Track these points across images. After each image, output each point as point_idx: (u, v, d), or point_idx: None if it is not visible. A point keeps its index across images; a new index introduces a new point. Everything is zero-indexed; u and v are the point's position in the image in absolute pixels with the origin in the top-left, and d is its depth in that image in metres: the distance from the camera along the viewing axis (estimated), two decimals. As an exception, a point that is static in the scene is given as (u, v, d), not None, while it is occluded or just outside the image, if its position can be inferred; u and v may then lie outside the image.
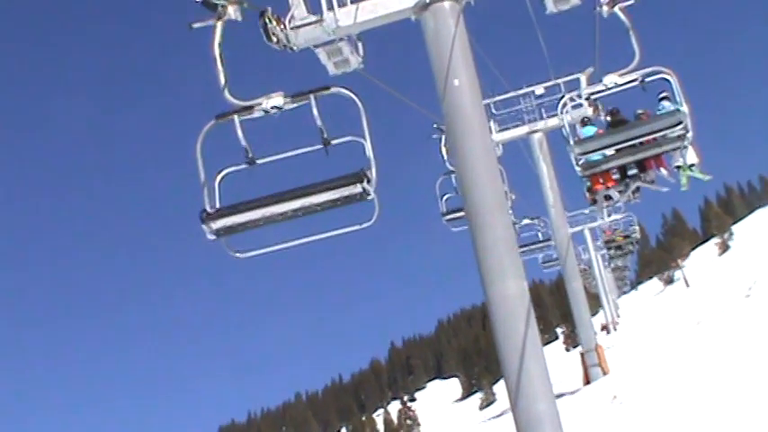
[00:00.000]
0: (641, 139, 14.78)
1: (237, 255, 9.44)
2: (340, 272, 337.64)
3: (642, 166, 18.75)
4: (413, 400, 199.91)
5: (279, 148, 9.68)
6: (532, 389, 9.71)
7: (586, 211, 47.25)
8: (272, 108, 9.66)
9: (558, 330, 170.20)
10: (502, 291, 9.89)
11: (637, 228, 47.95)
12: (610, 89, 13.99)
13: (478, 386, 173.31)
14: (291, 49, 11.10)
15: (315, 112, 9.48)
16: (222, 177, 9.51)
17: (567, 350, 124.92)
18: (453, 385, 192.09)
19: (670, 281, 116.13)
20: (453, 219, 22.22)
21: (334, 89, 9.47)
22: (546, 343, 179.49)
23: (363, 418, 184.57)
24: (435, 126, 21.31)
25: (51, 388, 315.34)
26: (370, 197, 9.34)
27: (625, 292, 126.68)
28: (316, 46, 11.45)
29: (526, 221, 28.61)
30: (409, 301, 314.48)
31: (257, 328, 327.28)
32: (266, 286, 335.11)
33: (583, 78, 19.14)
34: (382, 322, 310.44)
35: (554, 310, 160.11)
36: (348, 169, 9.35)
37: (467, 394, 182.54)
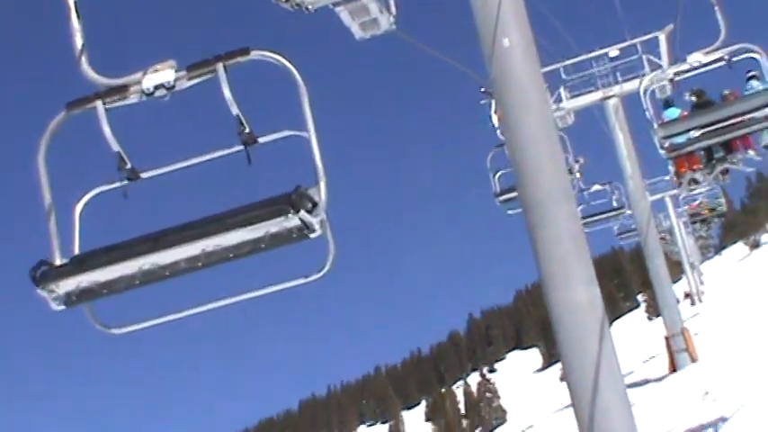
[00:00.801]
0: (728, 121, 13.98)
1: (112, 331, 5.77)
2: (417, 243, 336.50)
3: (729, 147, 17.68)
4: (492, 371, 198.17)
5: (172, 153, 5.91)
6: (610, 425, 7.69)
7: (667, 178, 44.62)
8: (156, 87, 5.59)
9: (640, 298, 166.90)
10: (567, 299, 7.99)
11: (723, 200, 45.37)
12: (695, 68, 13.49)
13: (558, 357, 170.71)
14: (306, 8, 8.92)
15: (226, 92, 5.48)
16: (85, 204, 5.76)
17: (650, 319, 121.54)
18: (533, 356, 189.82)
19: (756, 245, 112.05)
20: (509, 200, 19.50)
21: (255, 53, 5.46)
22: (627, 311, 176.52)
23: (443, 391, 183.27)
24: (483, 90, 19.02)
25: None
26: (314, 233, 5.47)
27: (708, 258, 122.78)
28: (335, 4, 9.30)
29: (596, 188, 25.63)
30: (486, 272, 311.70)
31: (336, 301, 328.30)
32: (343, 258, 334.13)
33: (662, 38, 17.98)
34: (460, 293, 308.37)
35: (635, 276, 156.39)
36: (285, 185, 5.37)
37: (547, 364, 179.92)
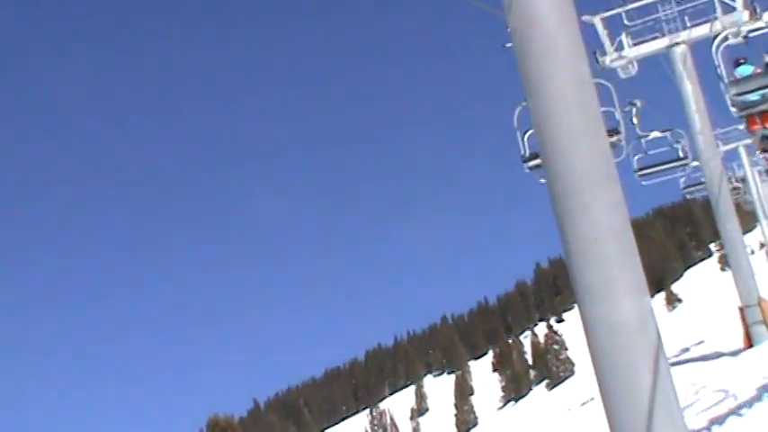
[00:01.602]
0: None
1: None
2: (481, 192, 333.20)
3: None
4: (561, 321, 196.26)
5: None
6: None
7: (741, 127, 41.82)
8: None
9: (713, 247, 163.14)
10: (609, 317, 6.05)
11: None
12: None
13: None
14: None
15: None
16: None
17: (723, 269, 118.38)
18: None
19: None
20: (539, 165, 16.76)
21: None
22: (699, 260, 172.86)
23: (510, 341, 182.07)
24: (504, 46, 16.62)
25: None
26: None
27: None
28: None
29: (655, 134, 22.74)
30: (554, 220, 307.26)
31: (403, 249, 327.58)
32: (409, 204, 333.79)
33: None
34: (527, 242, 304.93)
35: (707, 225, 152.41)
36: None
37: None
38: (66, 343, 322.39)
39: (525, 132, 15.79)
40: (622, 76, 20.98)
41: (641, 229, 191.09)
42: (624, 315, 6.04)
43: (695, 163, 23.48)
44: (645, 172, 22.93)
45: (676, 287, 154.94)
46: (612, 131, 14.27)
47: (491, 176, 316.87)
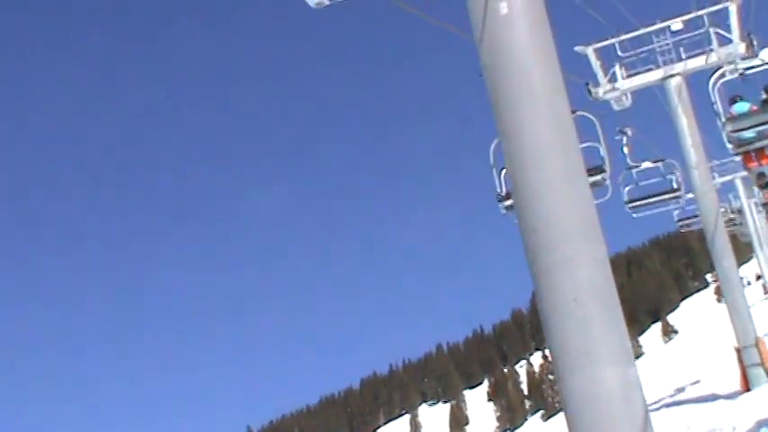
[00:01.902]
0: None
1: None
2: (477, 223, 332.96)
3: None
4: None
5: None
6: None
7: (737, 159, 41.20)
8: None
9: (709, 278, 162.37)
10: (590, 389, 5.38)
11: None
12: (766, 64, 13.52)
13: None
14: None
15: None
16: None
17: (719, 301, 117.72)
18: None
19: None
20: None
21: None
22: (696, 290, 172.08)
23: (506, 370, 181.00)
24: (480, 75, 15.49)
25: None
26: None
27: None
28: None
29: (647, 165, 21.77)
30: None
31: (398, 278, 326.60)
32: (407, 239, 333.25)
33: (733, 9, 16.08)
34: (524, 271, 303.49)
35: (703, 256, 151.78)
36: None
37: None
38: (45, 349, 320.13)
39: (502, 169, 14.42)
40: (616, 108, 20.34)
41: (638, 258, 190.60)
42: (607, 386, 5.36)
43: (690, 195, 22.68)
44: (636, 204, 22.18)
45: (673, 318, 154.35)
46: (597, 169, 13.48)
47: (485, 204, 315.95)
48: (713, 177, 47.50)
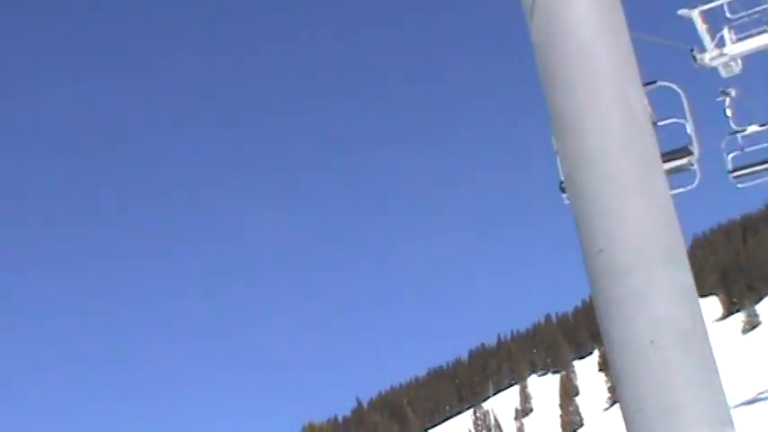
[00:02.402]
0: None
1: None
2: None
3: None
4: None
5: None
6: None
7: None
8: None
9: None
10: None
11: None
12: None
13: (740, 305, 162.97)
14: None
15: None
16: None
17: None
18: (712, 304, 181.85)
19: None
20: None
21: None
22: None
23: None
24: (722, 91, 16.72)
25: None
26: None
27: None
28: None
29: (754, 129, 19.88)
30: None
31: (507, 247, 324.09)
32: (515, 201, 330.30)
33: None
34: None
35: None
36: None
37: (727, 314, 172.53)
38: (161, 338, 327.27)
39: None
40: (724, 74, 18.48)
41: (754, 224, 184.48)
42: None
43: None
44: (741, 173, 20.10)
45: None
46: (682, 151, 11.44)
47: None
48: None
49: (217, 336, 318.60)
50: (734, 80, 18.57)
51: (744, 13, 18.26)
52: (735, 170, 19.81)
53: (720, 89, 17.96)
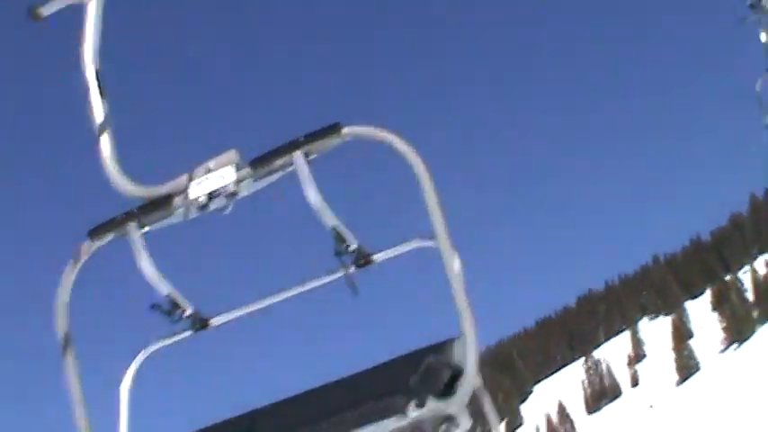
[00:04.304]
0: None
1: None
2: (694, 122, 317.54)
3: None
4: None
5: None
6: None
7: None
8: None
9: None
10: None
11: None
12: None
13: None
14: None
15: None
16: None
17: None
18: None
19: None
20: None
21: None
22: None
23: (728, 279, 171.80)
24: (749, 4, 14.81)
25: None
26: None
27: None
28: None
29: None
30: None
31: (609, 186, 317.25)
32: (615, 135, 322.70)
33: None
34: (741, 170, 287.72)
35: None
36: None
37: None
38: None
39: None
40: None
41: None
42: None
43: None
44: None
45: None
46: None
47: (700, 99, 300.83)
48: None
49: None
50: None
51: None
52: None
53: None
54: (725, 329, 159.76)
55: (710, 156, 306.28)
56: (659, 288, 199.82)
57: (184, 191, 3.66)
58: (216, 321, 3.96)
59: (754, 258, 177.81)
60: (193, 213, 3.70)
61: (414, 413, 3.23)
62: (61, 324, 3.77)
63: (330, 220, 3.41)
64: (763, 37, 15.11)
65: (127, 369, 3.96)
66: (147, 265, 3.71)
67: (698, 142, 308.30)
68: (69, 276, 3.80)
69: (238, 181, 3.60)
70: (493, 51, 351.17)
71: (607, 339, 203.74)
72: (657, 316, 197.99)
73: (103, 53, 4.01)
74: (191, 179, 3.63)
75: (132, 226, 3.76)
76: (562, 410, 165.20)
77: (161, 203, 3.76)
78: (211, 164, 3.63)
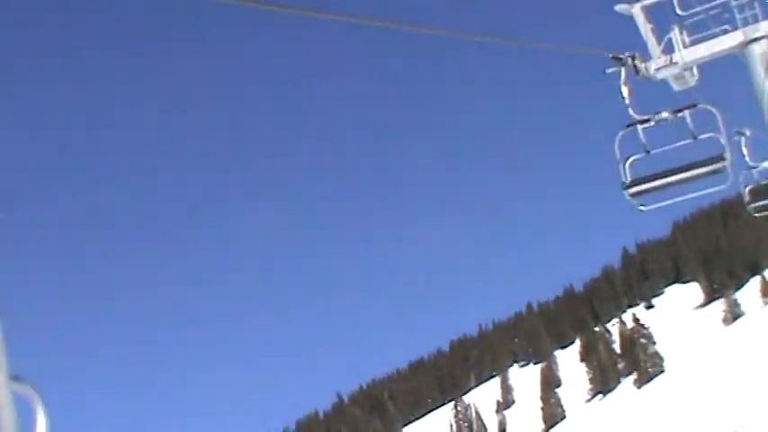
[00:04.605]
0: None
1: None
2: (569, 177, 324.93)
3: None
4: (650, 307, 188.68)
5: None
6: None
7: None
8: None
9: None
10: None
11: None
12: None
13: (721, 292, 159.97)
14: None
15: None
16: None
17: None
18: (693, 290, 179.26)
19: None
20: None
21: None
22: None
23: (597, 330, 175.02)
24: (612, 56, 14.71)
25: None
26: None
27: None
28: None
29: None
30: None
31: (485, 236, 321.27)
32: (492, 194, 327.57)
33: None
34: (613, 226, 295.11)
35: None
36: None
37: (708, 300, 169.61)
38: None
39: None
40: (676, 87, 14.56)
41: (734, 208, 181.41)
42: None
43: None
44: (758, 204, 21.04)
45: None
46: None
47: (573, 161, 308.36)
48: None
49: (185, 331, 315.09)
50: (690, 93, 14.75)
51: (699, 8, 14.28)
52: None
53: (735, 129, 17.26)
54: (591, 380, 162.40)
55: (589, 209, 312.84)
56: (531, 336, 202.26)
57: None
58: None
59: (623, 311, 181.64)
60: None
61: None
62: None
63: None
64: (624, 90, 14.21)
65: None
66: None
67: (577, 194, 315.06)
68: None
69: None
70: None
71: (478, 384, 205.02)
72: (528, 363, 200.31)
73: None
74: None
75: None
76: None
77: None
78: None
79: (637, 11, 14.04)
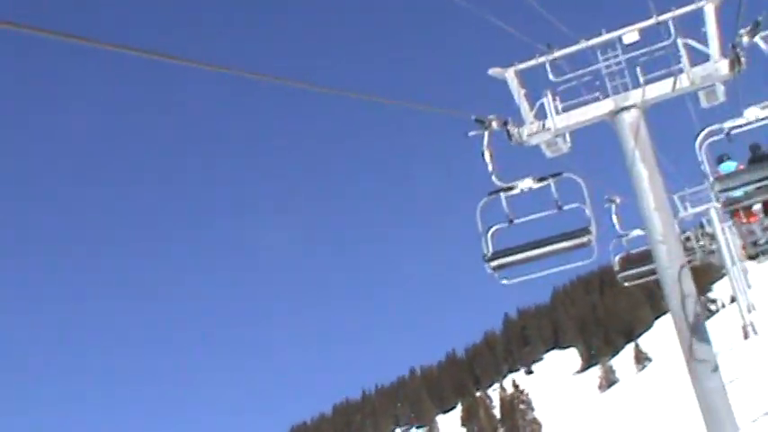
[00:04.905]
0: None
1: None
2: (449, 242, 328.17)
3: None
4: (530, 372, 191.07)
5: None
6: None
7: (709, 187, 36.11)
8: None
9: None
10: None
11: None
12: (751, 123, 13.04)
13: (597, 358, 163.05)
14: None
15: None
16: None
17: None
18: (572, 356, 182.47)
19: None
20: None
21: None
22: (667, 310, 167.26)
23: (478, 395, 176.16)
24: (475, 118, 14.12)
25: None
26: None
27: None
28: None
29: (637, 233, 21.11)
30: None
31: (368, 302, 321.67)
32: (376, 258, 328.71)
33: (710, 10, 12.96)
34: (495, 292, 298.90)
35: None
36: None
37: (586, 366, 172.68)
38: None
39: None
40: (549, 154, 14.53)
41: (610, 276, 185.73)
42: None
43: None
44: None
45: (645, 339, 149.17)
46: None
47: (455, 227, 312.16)
48: (685, 208, 42.50)
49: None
50: (563, 160, 14.81)
51: (571, 75, 14.35)
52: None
53: (606, 197, 18.74)
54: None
55: (472, 273, 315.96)
56: (413, 400, 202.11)
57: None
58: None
59: (504, 376, 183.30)
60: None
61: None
62: None
63: None
64: (486, 155, 13.89)
65: None
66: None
67: (459, 258, 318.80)
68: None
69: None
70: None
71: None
72: (410, 428, 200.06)
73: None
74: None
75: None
76: None
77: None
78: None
79: (510, 75, 14.05)
